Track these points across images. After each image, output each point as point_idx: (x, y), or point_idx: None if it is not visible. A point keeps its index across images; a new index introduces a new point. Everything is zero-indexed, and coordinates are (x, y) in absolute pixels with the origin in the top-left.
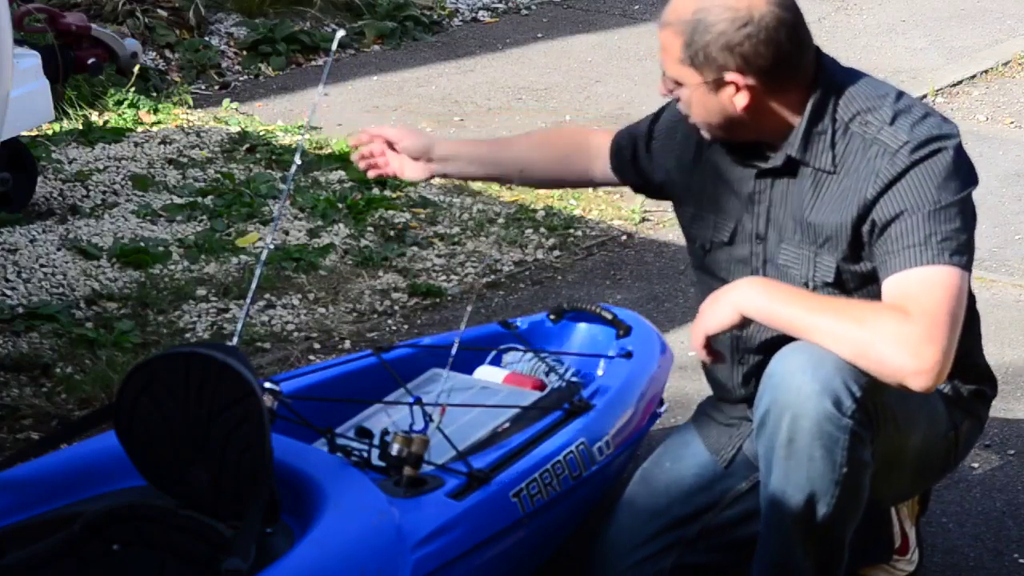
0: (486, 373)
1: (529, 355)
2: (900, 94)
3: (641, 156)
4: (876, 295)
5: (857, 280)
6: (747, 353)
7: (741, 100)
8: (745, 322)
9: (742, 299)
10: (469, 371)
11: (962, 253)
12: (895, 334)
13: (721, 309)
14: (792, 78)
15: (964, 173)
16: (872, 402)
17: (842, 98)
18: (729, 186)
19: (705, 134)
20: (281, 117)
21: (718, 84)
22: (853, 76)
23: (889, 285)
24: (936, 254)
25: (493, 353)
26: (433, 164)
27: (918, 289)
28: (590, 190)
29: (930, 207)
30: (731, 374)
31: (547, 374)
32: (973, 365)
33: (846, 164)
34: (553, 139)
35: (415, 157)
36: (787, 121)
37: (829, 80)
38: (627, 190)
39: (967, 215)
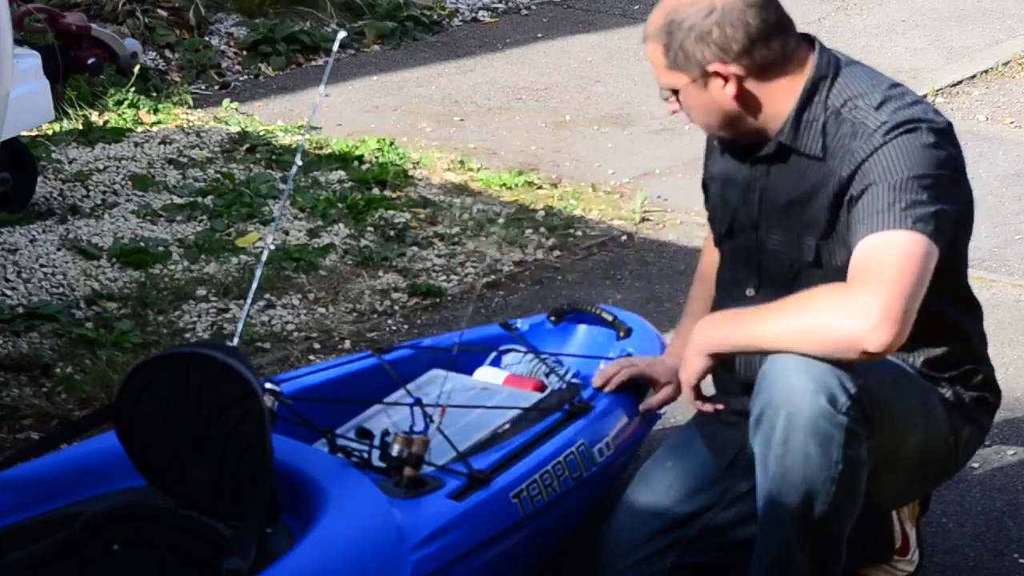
0: (486, 374)
1: (529, 356)
2: (895, 84)
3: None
4: None
5: (837, 261)
6: None
7: (730, 89)
8: (721, 360)
9: (699, 341)
10: (469, 372)
11: (927, 222)
12: (838, 305)
13: (690, 359)
14: (774, 60)
15: (941, 154)
16: (868, 399)
17: (835, 85)
18: (729, 180)
19: (712, 134)
20: (281, 117)
21: (705, 78)
22: (851, 66)
23: (854, 253)
24: (897, 220)
25: (493, 354)
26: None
27: (874, 253)
28: (589, 189)
29: (897, 177)
30: (733, 358)
31: (547, 375)
32: (976, 372)
33: (835, 148)
34: (707, 282)
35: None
36: (781, 109)
37: (823, 68)
38: (627, 191)
39: (940, 192)
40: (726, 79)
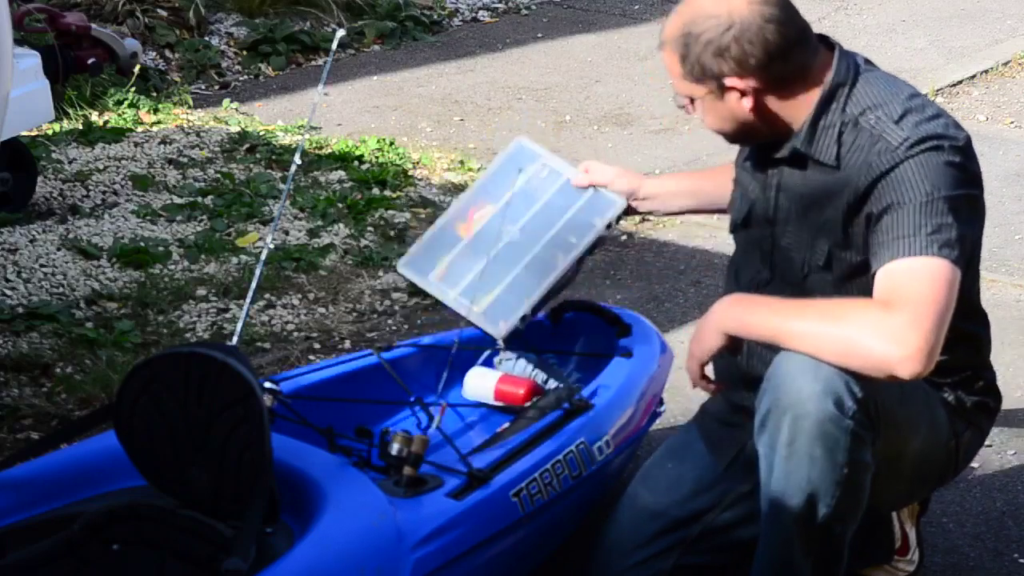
0: (478, 374)
1: (523, 355)
2: (915, 94)
3: None
4: (867, 287)
5: (847, 268)
6: None
7: (747, 102)
8: (732, 343)
9: (721, 318)
10: (465, 371)
11: (952, 247)
12: (876, 325)
13: (706, 335)
14: (792, 74)
15: (962, 173)
16: (874, 404)
17: (854, 93)
18: (750, 171)
19: (727, 140)
20: (281, 117)
21: (722, 91)
22: (870, 72)
23: (878, 276)
24: (924, 245)
25: (486, 353)
26: (639, 202)
27: (904, 279)
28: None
29: (921, 199)
30: (742, 343)
31: (545, 374)
32: (979, 378)
33: (851, 157)
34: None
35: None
36: (798, 117)
37: (842, 75)
38: None
39: (962, 213)
40: (743, 92)
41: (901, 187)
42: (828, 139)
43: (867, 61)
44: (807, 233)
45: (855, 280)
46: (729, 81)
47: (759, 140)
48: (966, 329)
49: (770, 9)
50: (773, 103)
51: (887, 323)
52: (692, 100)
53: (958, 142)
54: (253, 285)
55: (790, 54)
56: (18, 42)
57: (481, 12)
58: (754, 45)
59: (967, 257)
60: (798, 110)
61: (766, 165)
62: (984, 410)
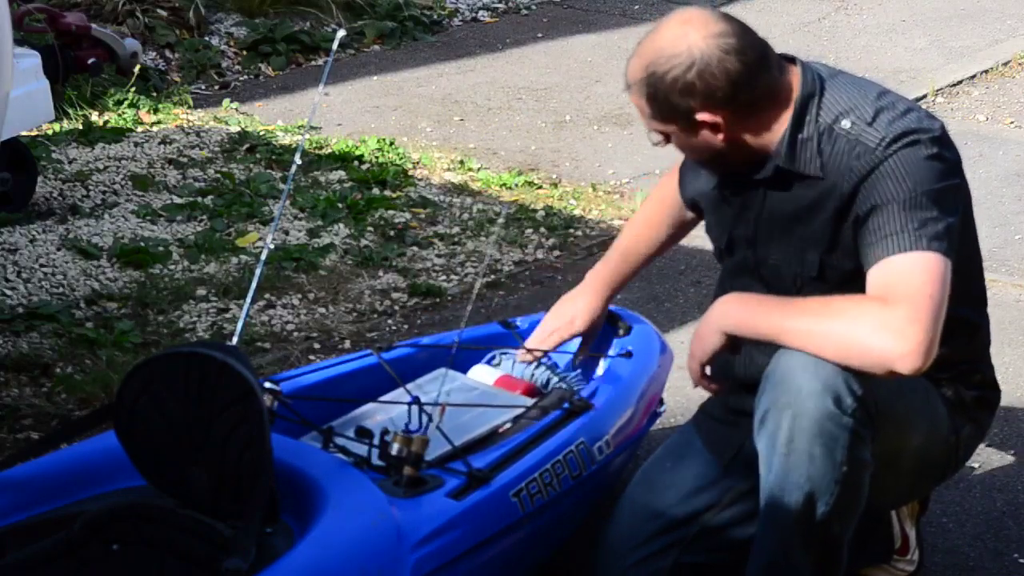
0: (480, 373)
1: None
2: (883, 92)
3: (683, 178)
4: (861, 291)
5: (841, 275)
6: None
7: (719, 135)
8: (733, 343)
9: (720, 318)
10: (466, 371)
11: (941, 239)
12: (876, 321)
13: (706, 335)
14: (760, 98)
15: (942, 164)
16: (873, 401)
17: (824, 102)
18: (726, 197)
19: (704, 168)
20: (281, 117)
21: (692, 126)
22: (834, 78)
23: (870, 276)
24: (913, 241)
25: (491, 354)
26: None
27: (897, 276)
28: (589, 189)
29: (904, 196)
30: (741, 342)
31: (546, 374)
32: (978, 372)
33: (833, 165)
34: (652, 214)
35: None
36: (773, 137)
37: (808, 85)
38: (627, 191)
39: (946, 204)
40: (714, 126)
41: (883, 187)
42: (809, 152)
43: (827, 67)
44: (794, 248)
45: (848, 286)
46: (699, 116)
47: (736, 167)
48: (960, 315)
49: (728, 40)
50: (745, 131)
51: (886, 319)
52: (667, 136)
53: (934, 133)
54: (253, 285)
55: (755, 80)
56: (18, 42)
57: (481, 12)
58: (718, 78)
59: (956, 247)
60: (771, 132)
61: (744, 187)
62: (984, 405)
